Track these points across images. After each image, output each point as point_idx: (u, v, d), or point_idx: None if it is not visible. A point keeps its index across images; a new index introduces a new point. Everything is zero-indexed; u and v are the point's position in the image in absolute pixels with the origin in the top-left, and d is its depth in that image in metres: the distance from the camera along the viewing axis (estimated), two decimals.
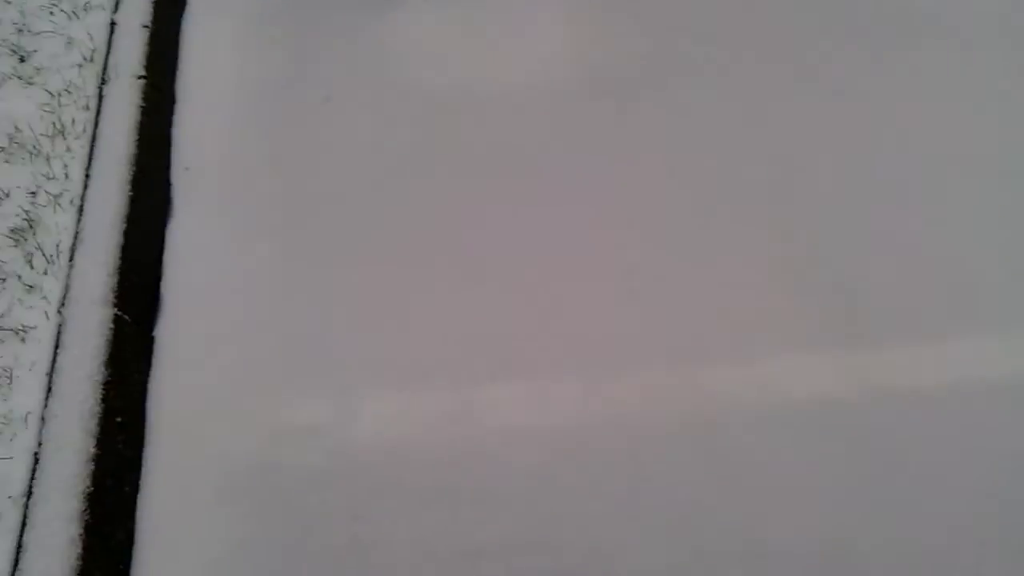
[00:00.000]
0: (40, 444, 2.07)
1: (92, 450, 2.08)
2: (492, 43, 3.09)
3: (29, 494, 2.00)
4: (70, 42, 2.94)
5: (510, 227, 2.55)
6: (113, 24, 2.98)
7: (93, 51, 2.90)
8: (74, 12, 3.02)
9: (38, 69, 2.85)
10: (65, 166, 2.59)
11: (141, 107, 2.75)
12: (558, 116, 2.82)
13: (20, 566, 1.92)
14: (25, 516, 1.98)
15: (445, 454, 2.20)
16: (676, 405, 2.23)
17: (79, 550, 1.95)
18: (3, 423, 2.11)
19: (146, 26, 2.98)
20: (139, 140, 2.67)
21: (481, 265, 2.50)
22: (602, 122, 2.79)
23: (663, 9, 3.15)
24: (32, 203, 2.51)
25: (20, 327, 2.26)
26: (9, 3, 2.95)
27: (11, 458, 2.07)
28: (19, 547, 1.94)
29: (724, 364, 2.27)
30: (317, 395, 2.31)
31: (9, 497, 2.01)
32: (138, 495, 2.13)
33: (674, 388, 2.25)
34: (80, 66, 2.86)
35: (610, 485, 2.11)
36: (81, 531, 1.98)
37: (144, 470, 2.17)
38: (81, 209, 2.48)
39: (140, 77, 2.81)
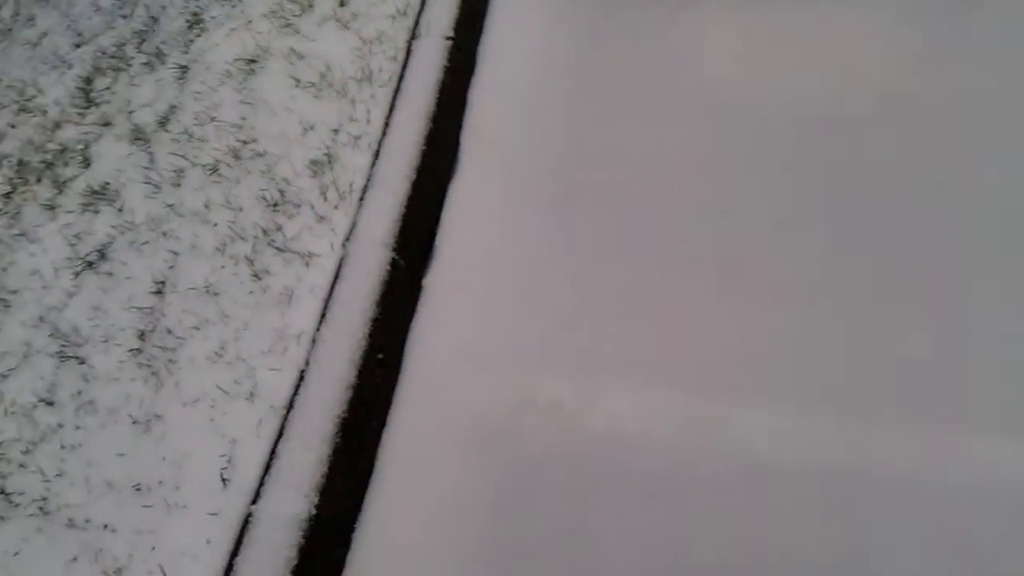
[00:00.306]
0: (307, 364, 2.41)
1: (353, 379, 2.38)
2: (789, 52, 3.16)
3: (290, 407, 2.33)
4: None
5: (790, 248, 2.62)
6: None
7: (407, 6, 3.31)
8: None
9: (355, 15, 3.31)
10: (368, 111, 2.98)
11: (445, 67, 3.10)
12: (850, 139, 2.84)
13: (270, 471, 2.24)
14: (282, 427, 2.31)
15: (680, 462, 2.32)
16: (937, 472, 2.20)
17: (325, 468, 2.23)
18: (278, 337, 2.46)
19: None
20: (439, 98, 3.01)
21: (752, 282, 2.59)
22: (902, 154, 2.77)
23: (991, 41, 3.08)
24: (333, 140, 2.91)
25: (307, 252, 2.63)
26: None
27: (280, 370, 2.41)
28: (272, 453, 2.26)
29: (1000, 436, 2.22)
30: (565, 373, 2.50)
31: (271, 406, 2.35)
32: (384, 430, 2.40)
33: (941, 452, 2.22)
34: (393, 18, 3.27)
35: (842, 536, 2.13)
36: (330, 452, 2.26)
37: (393, 408, 2.45)
38: (377, 154, 2.85)
39: (448, 38, 3.18)
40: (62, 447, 2.52)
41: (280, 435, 2.33)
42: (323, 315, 2.53)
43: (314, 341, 2.49)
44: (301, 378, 2.42)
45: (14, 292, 3.05)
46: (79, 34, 4.36)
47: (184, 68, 3.41)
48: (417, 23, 3.30)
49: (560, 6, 3.54)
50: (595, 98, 3.23)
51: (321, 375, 2.43)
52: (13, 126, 3.91)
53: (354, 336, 2.50)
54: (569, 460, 2.38)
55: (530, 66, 3.36)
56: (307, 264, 2.64)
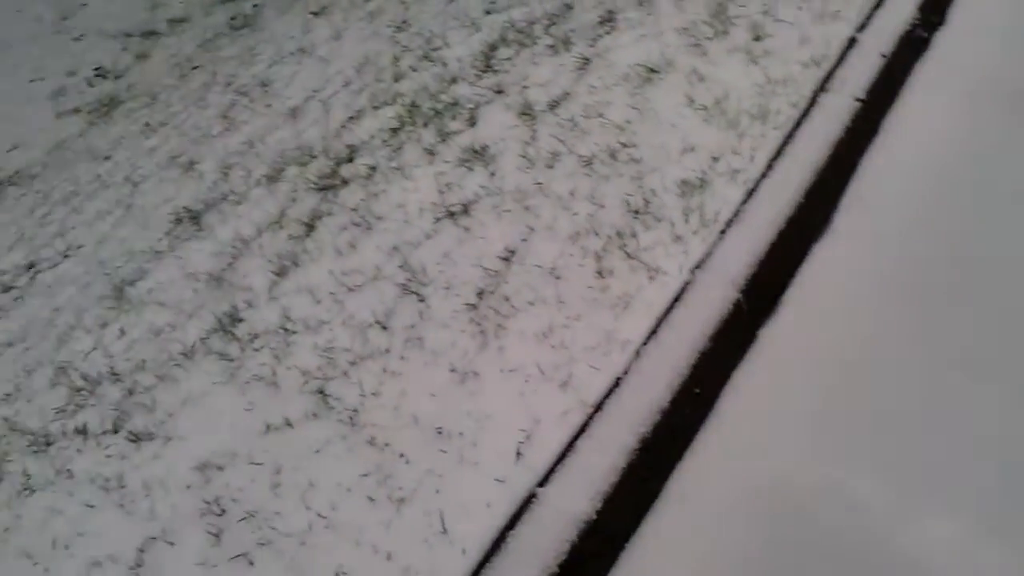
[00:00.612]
0: (626, 373, 2.50)
1: (665, 404, 2.45)
2: None
3: (598, 408, 2.44)
4: (805, 40, 3.40)
5: None
6: (852, 40, 3.37)
7: (823, 57, 3.31)
8: (820, 16, 3.49)
9: (767, 52, 3.36)
10: (753, 148, 3.02)
11: (846, 127, 3.07)
12: None
13: (564, 462, 2.36)
14: (586, 424, 2.41)
15: None
16: None
17: (615, 479, 2.32)
18: (605, 338, 2.58)
19: (884, 55, 3.30)
20: (830, 155, 2.99)
21: None
22: None
23: None
24: (710, 167, 2.99)
25: (655, 267, 2.73)
26: None
27: (598, 370, 2.52)
28: (570, 446, 2.38)
29: None
30: (884, 473, 2.40)
31: (581, 401, 2.46)
32: (679, 463, 2.44)
33: None
34: (805, 66, 3.29)
35: None
36: (624, 465, 2.33)
37: (693, 445, 2.48)
38: (751, 193, 2.89)
39: (858, 99, 3.14)
40: (384, 370, 2.80)
41: (582, 431, 2.45)
42: (653, 332, 2.63)
43: (638, 354, 2.58)
44: (616, 385, 2.52)
45: (379, 218, 3.42)
46: (492, 2, 4.76)
47: (586, 60, 3.64)
48: (829, 77, 3.30)
49: (979, 98, 3.40)
50: (995, 201, 3.08)
51: (636, 389, 2.52)
52: (414, 69, 4.36)
53: (677, 362, 2.57)
54: (861, 566, 2.30)
55: (935, 149, 3.27)
56: (651, 278, 2.74)
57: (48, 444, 3.00)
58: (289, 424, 2.73)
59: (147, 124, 6.44)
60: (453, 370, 2.69)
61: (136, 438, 2.88)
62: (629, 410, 2.48)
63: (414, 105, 3.99)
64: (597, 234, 2.90)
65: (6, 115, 8.44)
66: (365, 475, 2.51)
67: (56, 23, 9.98)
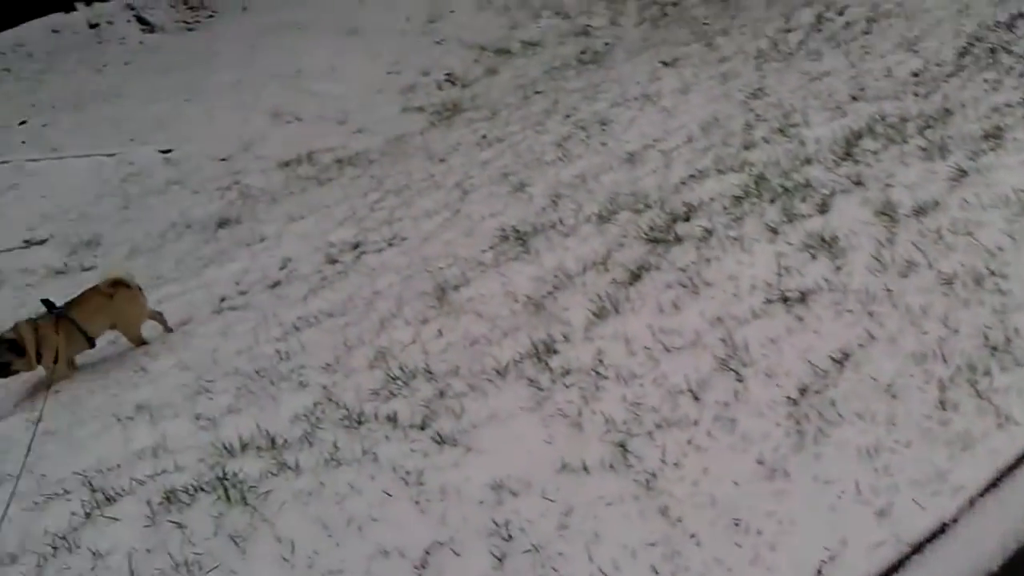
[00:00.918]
0: (954, 520, 2.33)
1: (994, 567, 2.29)
2: None
3: (916, 550, 2.30)
4: None
5: None
6: None
7: None
8: None
9: None
10: None
11: None
12: None
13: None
14: (900, 563, 2.26)
15: None
16: None
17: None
18: (935, 476, 2.38)
19: None
20: None
21: None
22: None
23: None
24: None
25: (1006, 413, 2.50)
26: None
27: (923, 509, 2.40)
28: None
29: None
30: None
31: (897, 536, 2.38)
32: None
33: None
34: None
35: None
36: None
37: None
38: None
39: None
40: (689, 442, 2.75)
41: (894, 570, 2.27)
42: (994, 484, 2.39)
43: (972, 503, 2.36)
44: (942, 530, 2.32)
45: (707, 284, 3.37)
46: (861, 89, 4.59)
47: (963, 172, 3.41)
48: None
49: None
50: None
51: (964, 541, 2.33)
52: (767, 141, 4.28)
53: (1016, 524, 2.34)
54: None
55: None
56: (1000, 425, 2.51)
57: (359, 423, 3.19)
58: (585, 469, 2.74)
59: (484, 136, 6.79)
60: (761, 462, 2.60)
61: (441, 440, 2.99)
62: (952, 562, 2.30)
63: (762, 177, 3.91)
64: (946, 361, 2.70)
65: (360, 98, 9.23)
66: (652, 544, 2.47)
67: (423, 25, 10.81)
